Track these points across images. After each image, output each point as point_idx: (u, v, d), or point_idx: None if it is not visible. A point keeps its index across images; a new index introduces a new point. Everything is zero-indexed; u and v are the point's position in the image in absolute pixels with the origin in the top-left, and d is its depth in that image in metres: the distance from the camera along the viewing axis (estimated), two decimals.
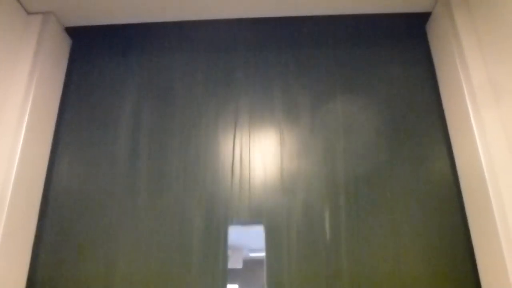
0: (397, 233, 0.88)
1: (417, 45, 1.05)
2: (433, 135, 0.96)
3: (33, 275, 0.87)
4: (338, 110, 0.99)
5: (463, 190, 0.90)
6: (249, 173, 0.95)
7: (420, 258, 0.86)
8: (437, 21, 1.00)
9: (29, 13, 0.98)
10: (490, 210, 0.79)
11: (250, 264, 0.91)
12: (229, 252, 0.90)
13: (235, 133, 0.98)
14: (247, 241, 0.93)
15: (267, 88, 1.02)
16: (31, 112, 0.89)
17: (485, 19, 0.88)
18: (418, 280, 0.84)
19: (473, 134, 0.84)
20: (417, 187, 0.92)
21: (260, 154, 0.96)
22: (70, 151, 0.98)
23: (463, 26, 0.92)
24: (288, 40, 1.07)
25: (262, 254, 0.89)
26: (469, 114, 0.86)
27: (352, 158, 0.95)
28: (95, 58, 1.06)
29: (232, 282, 0.87)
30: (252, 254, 0.92)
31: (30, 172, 0.89)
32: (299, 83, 1.02)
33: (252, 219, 0.91)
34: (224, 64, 1.05)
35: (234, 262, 0.91)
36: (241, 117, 1.00)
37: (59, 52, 1.02)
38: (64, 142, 0.99)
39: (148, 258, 0.88)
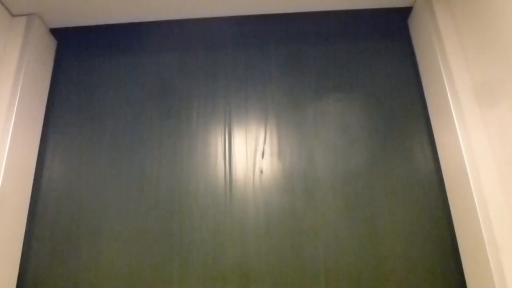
0: (381, 228, 0.89)
1: (400, 40, 1.06)
2: (417, 129, 0.97)
3: (23, 272, 0.89)
4: (323, 108, 1.00)
5: (446, 186, 0.92)
6: (236, 168, 0.96)
7: (405, 253, 0.87)
8: (418, 15, 1.01)
9: (13, 15, 0.99)
10: (472, 205, 0.80)
11: None
12: None
13: (225, 131, 0.99)
14: None
15: (256, 85, 1.03)
16: (17, 113, 0.90)
17: (464, 13, 0.89)
18: (401, 274, 0.86)
19: (454, 125, 0.86)
20: (402, 184, 0.93)
21: (246, 149, 0.97)
22: (57, 151, 0.99)
23: (444, 20, 0.93)
24: (274, 37, 1.07)
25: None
26: (451, 108, 0.87)
27: (337, 155, 0.96)
28: (81, 58, 1.07)
29: None
30: None
31: (18, 173, 0.90)
32: (285, 79, 1.03)
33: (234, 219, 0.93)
34: (212, 61, 1.05)
35: None
36: (232, 114, 1.01)
37: (44, 53, 1.03)
38: (51, 142, 1.00)
39: (136, 256, 0.89)
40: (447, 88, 0.89)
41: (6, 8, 0.97)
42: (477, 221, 0.79)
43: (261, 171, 0.95)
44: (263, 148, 0.97)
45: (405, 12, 1.05)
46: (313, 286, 0.85)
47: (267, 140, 0.98)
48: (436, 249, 0.88)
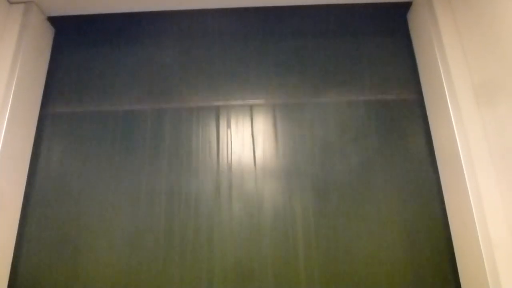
0: (377, 226, 0.89)
1: (399, 35, 1.05)
2: (414, 127, 0.97)
3: (15, 273, 0.87)
4: (321, 104, 1.00)
5: (443, 184, 0.91)
6: (235, 167, 0.95)
7: (400, 250, 0.87)
8: (417, 11, 1.00)
9: (11, 2, 0.98)
10: (468, 204, 0.80)
11: None
12: None
13: (221, 128, 0.99)
14: None
15: (254, 82, 1.02)
16: (13, 102, 0.89)
17: (464, 9, 0.89)
18: (397, 271, 0.86)
19: (452, 123, 0.85)
20: (398, 182, 0.92)
21: (245, 148, 0.97)
22: (53, 144, 0.98)
23: (443, 16, 0.93)
24: (272, 31, 1.07)
25: None
26: (448, 106, 0.86)
27: (335, 153, 0.95)
28: (79, 47, 1.06)
29: None
30: None
31: (12, 163, 0.89)
32: (283, 75, 1.02)
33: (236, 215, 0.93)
34: (211, 55, 1.05)
35: None
36: (231, 111, 1.00)
37: (41, 41, 1.02)
38: (47, 132, 0.99)
39: (134, 255, 0.88)
40: (445, 85, 0.88)
41: None
42: (472, 219, 0.78)
43: (261, 170, 0.94)
44: (263, 146, 0.97)
45: (404, 8, 1.05)
46: (310, 286, 0.85)
47: (266, 138, 0.97)
48: (431, 246, 0.88)
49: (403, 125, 0.97)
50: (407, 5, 1.04)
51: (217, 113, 1.00)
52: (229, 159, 0.95)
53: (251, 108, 1.00)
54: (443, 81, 0.89)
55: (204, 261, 0.87)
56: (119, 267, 0.87)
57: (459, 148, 0.83)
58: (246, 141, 0.97)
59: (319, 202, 0.91)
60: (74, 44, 1.07)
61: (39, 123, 0.99)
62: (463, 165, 0.82)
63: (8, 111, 0.88)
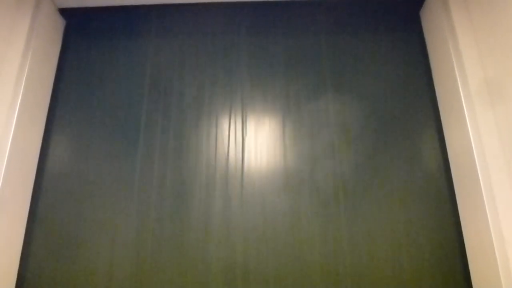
0: (392, 224, 0.89)
1: (411, 32, 1.04)
2: (426, 125, 0.96)
3: (23, 272, 0.87)
4: (331, 104, 0.99)
5: (455, 182, 0.91)
6: (237, 167, 0.95)
7: (409, 248, 0.86)
8: (431, 7, 0.99)
9: None
10: (481, 201, 0.79)
11: None
12: None
13: (219, 127, 0.99)
14: None
15: (261, 79, 1.02)
16: (24, 92, 0.89)
17: (479, 5, 0.88)
18: (406, 270, 0.85)
19: (465, 121, 0.84)
20: (409, 179, 0.92)
21: (245, 147, 0.96)
22: (63, 133, 0.98)
23: (458, 12, 0.92)
24: (277, 26, 1.06)
25: None
26: (462, 104, 0.85)
27: (347, 154, 0.94)
28: (89, 39, 1.06)
29: None
30: None
31: (22, 154, 0.89)
32: (291, 73, 1.02)
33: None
34: (216, 50, 1.04)
35: None
36: (232, 110, 1.00)
37: (52, 33, 1.02)
38: (57, 123, 0.99)
39: (136, 255, 0.88)
40: (459, 82, 0.87)
41: None
42: (485, 216, 0.78)
43: (266, 169, 0.94)
44: (266, 148, 0.96)
45: (417, 3, 1.04)
46: (312, 287, 0.85)
47: (267, 137, 0.97)
48: (442, 243, 0.87)
49: (414, 123, 0.96)
50: (420, 1, 1.03)
51: (221, 111, 0.99)
52: (235, 158, 0.95)
53: (252, 107, 0.99)
54: (457, 78, 0.88)
55: (211, 261, 0.87)
56: (124, 268, 0.87)
57: (473, 147, 0.82)
58: (250, 141, 0.97)
59: (332, 205, 0.91)
60: (85, 36, 1.07)
61: (49, 113, 0.99)
62: (477, 163, 0.81)
63: (18, 102, 0.88)
